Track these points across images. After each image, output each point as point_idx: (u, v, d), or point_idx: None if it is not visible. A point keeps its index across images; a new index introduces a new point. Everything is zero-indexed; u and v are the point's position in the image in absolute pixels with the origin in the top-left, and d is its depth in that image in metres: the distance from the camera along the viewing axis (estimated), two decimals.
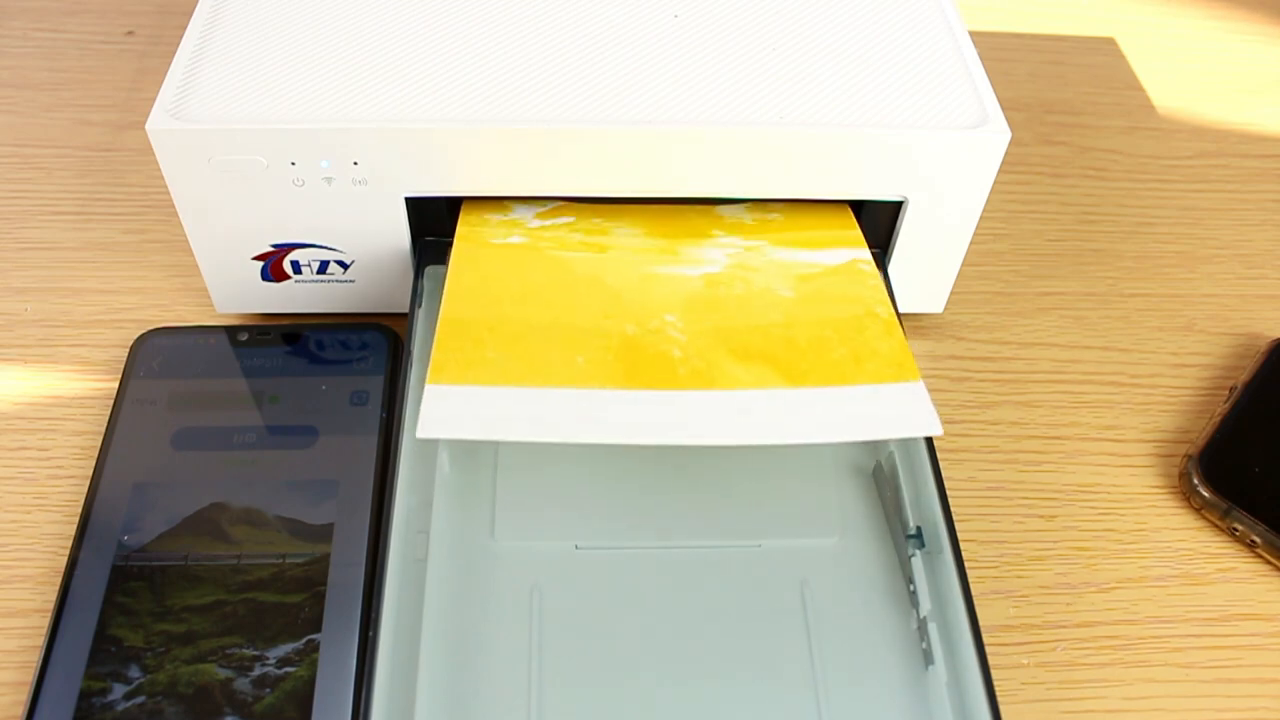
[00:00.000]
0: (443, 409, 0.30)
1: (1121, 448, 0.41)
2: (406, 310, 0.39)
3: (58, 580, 0.35)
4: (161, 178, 0.48)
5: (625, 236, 0.37)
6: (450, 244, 0.40)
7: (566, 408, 0.30)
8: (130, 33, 0.55)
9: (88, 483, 0.37)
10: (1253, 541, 0.38)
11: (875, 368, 0.32)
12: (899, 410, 0.31)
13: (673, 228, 0.38)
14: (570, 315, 0.33)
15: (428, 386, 0.31)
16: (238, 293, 0.41)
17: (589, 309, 0.33)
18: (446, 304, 0.33)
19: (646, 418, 0.30)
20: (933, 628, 0.32)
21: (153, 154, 0.49)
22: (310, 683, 0.32)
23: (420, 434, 0.29)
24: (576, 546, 0.34)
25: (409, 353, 0.37)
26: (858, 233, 0.38)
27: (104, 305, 0.43)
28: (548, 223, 0.37)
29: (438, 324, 0.33)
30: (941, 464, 0.36)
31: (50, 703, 0.32)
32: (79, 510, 0.36)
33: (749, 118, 0.36)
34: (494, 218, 0.37)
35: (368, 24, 0.39)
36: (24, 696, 0.32)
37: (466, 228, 0.37)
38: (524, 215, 0.38)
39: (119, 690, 0.32)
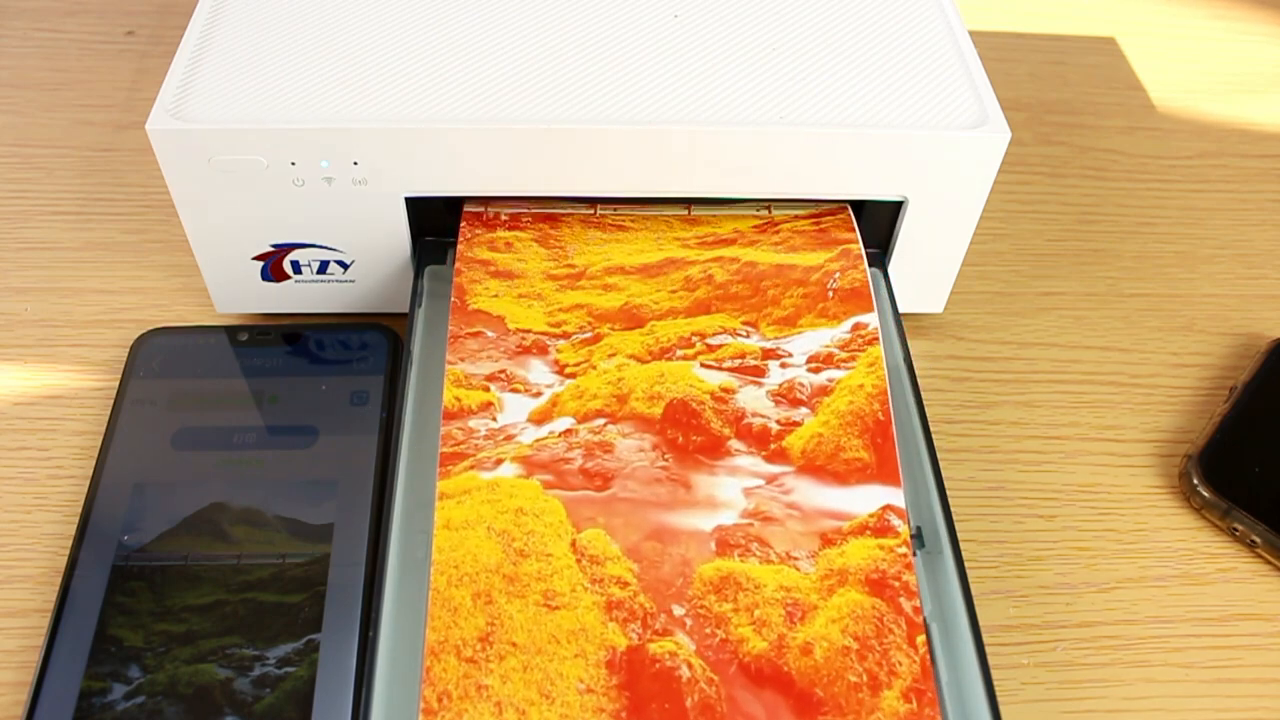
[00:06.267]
0: None
1: (1121, 448, 0.41)
2: (406, 310, 0.39)
3: (58, 580, 0.35)
4: (161, 178, 0.48)
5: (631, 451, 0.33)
6: (450, 244, 0.40)
7: None
8: (130, 33, 0.55)
9: (88, 483, 0.37)
10: (1253, 541, 0.38)
11: (891, 698, 0.29)
12: None
13: (684, 448, 0.34)
14: (569, 618, 0.31)
15: None
16: (238, 293, 0.41)
17: (588, 607, 0.31)
18: (432, 626, 0.30)
19: None
20: (933, 628, 0.32)
21: (153, 154, 0.49)
22: (310, 683, 0.32)
23: None
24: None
25: (409, 353, 0.37)
26: (891, 447, 0.34)
27: (104, 305, 0.43)
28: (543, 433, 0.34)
29: (424, 654, 0.29)
30: (941, 464, 0.36)
31: (50, 703, 0.32)
32: (79, 510, 0.36)
33: (749, 118, 0.36)
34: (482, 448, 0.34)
35: (367, 24, 0.39)
36: (24, 696, 0.32)
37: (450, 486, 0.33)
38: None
39: (119, 690, 0.32)
